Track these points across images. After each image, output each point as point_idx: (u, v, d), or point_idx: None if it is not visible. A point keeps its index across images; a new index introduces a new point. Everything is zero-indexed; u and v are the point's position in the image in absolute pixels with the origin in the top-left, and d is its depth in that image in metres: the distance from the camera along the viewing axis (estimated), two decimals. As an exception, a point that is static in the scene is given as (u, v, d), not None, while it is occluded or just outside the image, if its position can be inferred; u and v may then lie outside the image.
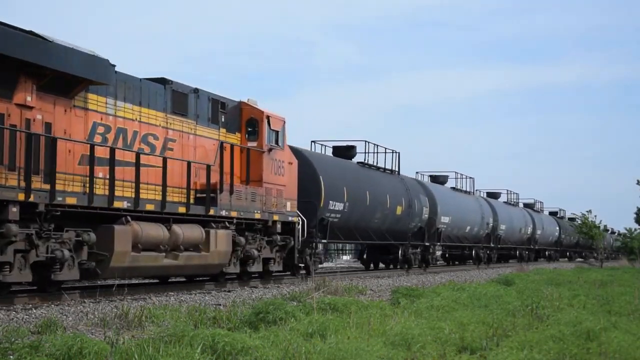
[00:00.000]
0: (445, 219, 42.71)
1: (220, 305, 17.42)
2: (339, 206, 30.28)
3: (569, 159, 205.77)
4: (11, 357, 9.82)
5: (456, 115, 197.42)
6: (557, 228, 73.20)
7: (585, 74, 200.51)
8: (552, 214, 78.11)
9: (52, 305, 15.84)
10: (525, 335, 12.35)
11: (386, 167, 37.22)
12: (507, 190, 64.19)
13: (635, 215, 76.04)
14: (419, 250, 39.82)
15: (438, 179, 47.57)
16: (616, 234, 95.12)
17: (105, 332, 12.32)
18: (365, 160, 35.37)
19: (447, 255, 51.65)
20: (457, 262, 51.54)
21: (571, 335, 12.42)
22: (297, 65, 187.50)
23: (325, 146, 34.15)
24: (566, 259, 78.00)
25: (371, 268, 39.41)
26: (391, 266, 39.05)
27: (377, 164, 36.31)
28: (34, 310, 14.95)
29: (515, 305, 16.93)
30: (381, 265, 40.12)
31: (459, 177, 50.29)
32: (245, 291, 21.25)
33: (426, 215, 40.11)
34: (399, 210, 36.27)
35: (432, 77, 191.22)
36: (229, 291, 21.00)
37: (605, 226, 77.65)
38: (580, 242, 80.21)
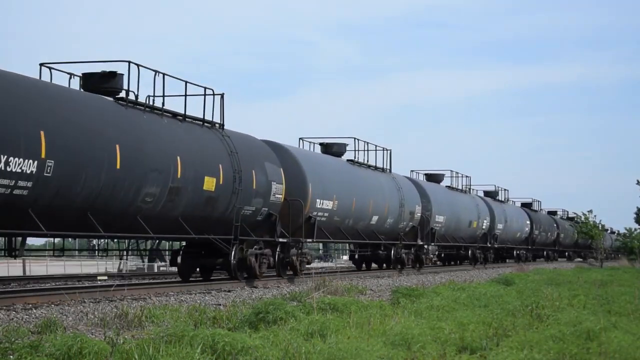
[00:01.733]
0: (324, 204, 28.20)
1: (220, 305, 17.42)
2: (23, 166, 15.72)
3: (568, 159, 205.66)
4: (11, 357, 9.82)
5: (456, 116, 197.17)
6: (528, 222, 60.81)
7: (586, 74, 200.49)
8: (526, 205, 65.24)
9: (52, 305, 15.84)
10: (525, 335, 12.35)
11: (188, 113, 22.02)
12: (452, 172, 47.29)
13: (635, 215, 76.14)
14: (279, 251, 25.68)
15: (330, 149, 31.93)
16: (608, 230, 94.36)
17: (105, 332, 12.32)
18: (127, 94, 19.92)
19: (356, 256, 37.79)
20: (374, 266, 37.95)
21: (571, 335, 12.42)
22: (297, 65, 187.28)
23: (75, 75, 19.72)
24: (542, 259, 67.68)
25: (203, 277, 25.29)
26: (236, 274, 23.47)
27: (151, 102, 20.81)
28: (34, 310, 14.95)
29: (515, 305, 16.93)
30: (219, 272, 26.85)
31: (360, 148, 34.02)
32: (245, 291, 21.25)
33: (279, 196, 25.32)
34: (209, 184, 21.71)
35: (432, 77, 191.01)
36: (229, 291, 20.99)
37: (604, 226, 77.14)
38: (562, 239, 71.02)
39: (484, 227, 49.19)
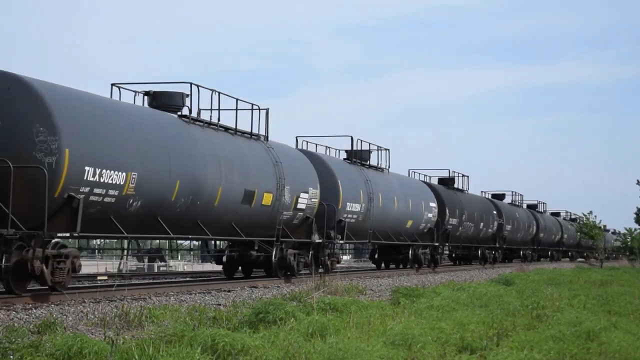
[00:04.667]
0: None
1: (220, 305, 17.42)
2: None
3: (569, 159, 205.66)
4: (11, 357, 9.82)
5: (456, 116, 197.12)
6: (434, 205, 39.13)
7: (586, 74, 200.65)
8: (443, 182, 44.40)
9: (52, 305, 15.83)
10: (525, 335, 12.35)
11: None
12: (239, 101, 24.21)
13: (635, 215, 75.98)
14: None
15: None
16: (610, 231, 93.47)
17: (105, 332, 12.33)
18: None
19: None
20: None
21: (571, 335, 12.42)
22: (297, 65, 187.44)
23: None
24: (478, 261, 48.68)
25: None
26: None
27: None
28: (34, 310, 14.94)
29: (515, 305, 16.93)
30: None
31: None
32: (245, 291, 21.25)
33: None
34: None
35: (432, 77, 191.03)
36: (229, 291, 20.99)
37: (604, 226, 76.63)
38: (507, 232, 52.25)
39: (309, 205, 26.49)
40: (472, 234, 45.62)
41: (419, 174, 41.76)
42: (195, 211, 20.62)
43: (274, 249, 24.77)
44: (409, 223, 35.88)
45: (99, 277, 28.63)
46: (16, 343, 10.26)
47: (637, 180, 62.05)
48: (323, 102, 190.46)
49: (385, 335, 11.97)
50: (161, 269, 44.36)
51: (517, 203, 59.98)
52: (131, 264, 48.06)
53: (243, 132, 23.98)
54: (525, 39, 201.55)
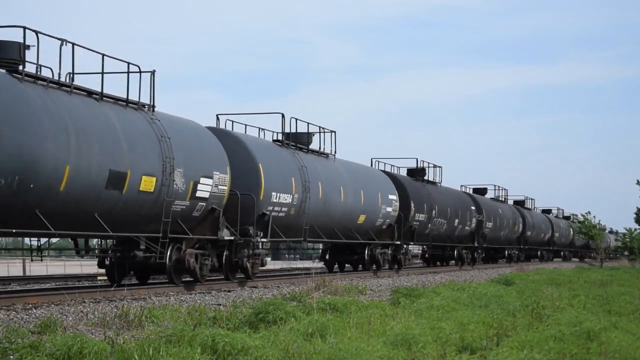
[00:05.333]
0: None
1: (220, 305, 17.43)
2: None
3: (568, 159, 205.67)
4: (11, 357, 9.82)
5: (456, 116, 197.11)
6: (395, 198, 33.55)
7: (586, 74, 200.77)
8: (412, 173, 38.65)
9: (52, 305, 15.84)
10: (526, 335, 12.35)
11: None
12: None
13: (635, 215, 75.99)
14: None
15: None
16: (607, 230, 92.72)
17: (105, 332, 12.32)
18: None
19: None
20: None
21: (571, 335, 12.41)
22: (297, 65, 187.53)
23: None
24: (454, 262, 43.34)
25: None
26: None
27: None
28: (34, 310, 14.95)
29: (515, 305, 16.92)
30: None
31: None
32: (245, 291, 21.24)
33: None
34: None
35: (432, 77, 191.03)
36: (229, 291, 20.97)
37: (603, 226, 76.34)
38: (487, 231, 46.33)
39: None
40: (445, 232, 39.94)
41: (384, 163, 35.97)
42: (29, 197, 15.56)
43: (165, 248, 19.63)
44: (361, 218, 30.28)
45: (99, 277, 28.60)
46: (16, 343, 10.25)
47: (637, 180, 62.11)
48: (323, 102, 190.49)
49: (385, 335, 11.96)
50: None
51: (501, 198, 54.16)
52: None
53: (116, 99, 18.61)
54: (525, 39, 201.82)
